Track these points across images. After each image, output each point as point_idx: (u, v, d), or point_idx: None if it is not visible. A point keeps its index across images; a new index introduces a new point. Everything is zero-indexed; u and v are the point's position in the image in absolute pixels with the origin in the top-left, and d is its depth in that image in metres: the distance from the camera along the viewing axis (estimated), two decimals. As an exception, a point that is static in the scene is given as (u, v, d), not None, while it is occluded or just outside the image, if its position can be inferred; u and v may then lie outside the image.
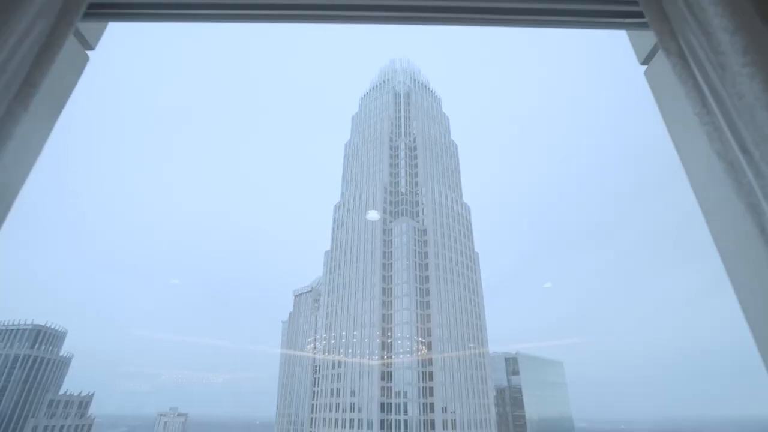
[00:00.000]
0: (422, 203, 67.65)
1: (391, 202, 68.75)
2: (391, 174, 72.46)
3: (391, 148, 74.90)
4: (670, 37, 1.26)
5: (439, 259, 59.95)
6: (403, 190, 70.92)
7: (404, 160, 72.91)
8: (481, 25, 1.65)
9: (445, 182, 73.91)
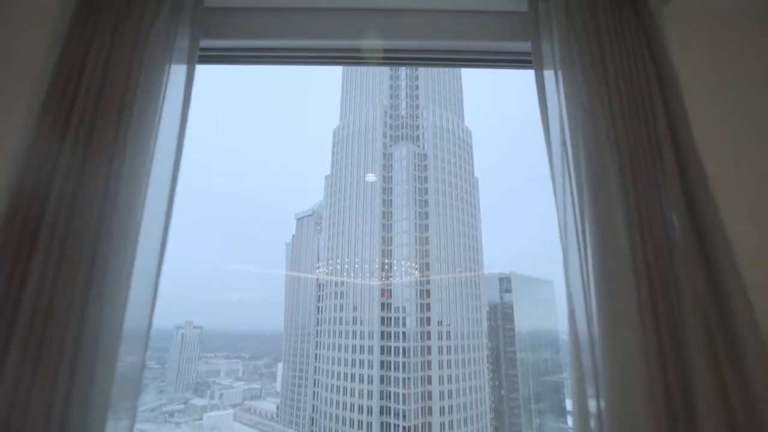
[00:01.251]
0: (423, 127, 66.09)
1: (391, 126, 67.09)
2: (391, 96, 69.81)
3: (391, 69, 71.37)
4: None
5: (438, 183, 60.16)
6: (404, 113, 68.90)
7: (405, 81, 69.85)
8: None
9: (447, 105, 71.57)
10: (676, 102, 1.42)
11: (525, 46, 1.71)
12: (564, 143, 1.45)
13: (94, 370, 1.20)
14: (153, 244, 1.41)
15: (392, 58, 1.96)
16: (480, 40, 1.84)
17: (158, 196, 1.46)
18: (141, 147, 1.44)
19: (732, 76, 1.67)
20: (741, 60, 1.69)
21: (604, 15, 1.53)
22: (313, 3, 1.86)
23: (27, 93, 1.46)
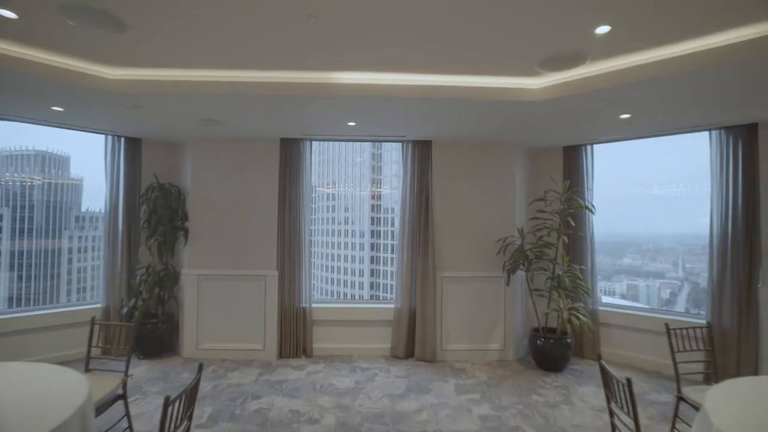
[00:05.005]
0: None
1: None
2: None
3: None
4: None
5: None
6: None
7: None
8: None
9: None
10: (430, 192, 4.85)
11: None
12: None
13: None
14: None
15: None
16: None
17: None
18: None
19: (458, 176, 4.90)
20: (465, 168, 4.90)
21: (421, 147, 4.82)
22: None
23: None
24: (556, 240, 4.56)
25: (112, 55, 2.92)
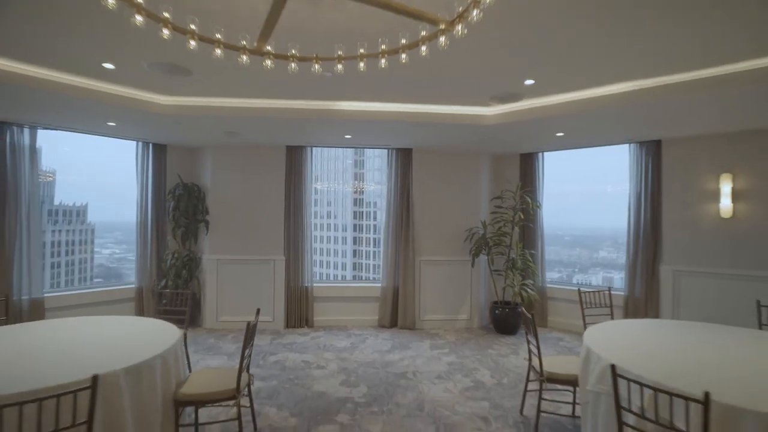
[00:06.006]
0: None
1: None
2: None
3: None
4: None
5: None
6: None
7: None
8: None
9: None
10: (410, 191, 5.90)
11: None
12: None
13: None
14: None
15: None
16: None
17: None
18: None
19: (434, 178, 5.99)
20: (439, 172, 5.99)
21: (403, 154, 5.88)
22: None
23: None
24: (510, 230, 5.68)
25: (168, 88, 3.83)
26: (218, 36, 2.09)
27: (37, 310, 4.70)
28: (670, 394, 1.81)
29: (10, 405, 1.53)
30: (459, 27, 1.84)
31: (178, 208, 5.65)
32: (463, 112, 4.34)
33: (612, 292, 5.34)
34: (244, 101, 4.16)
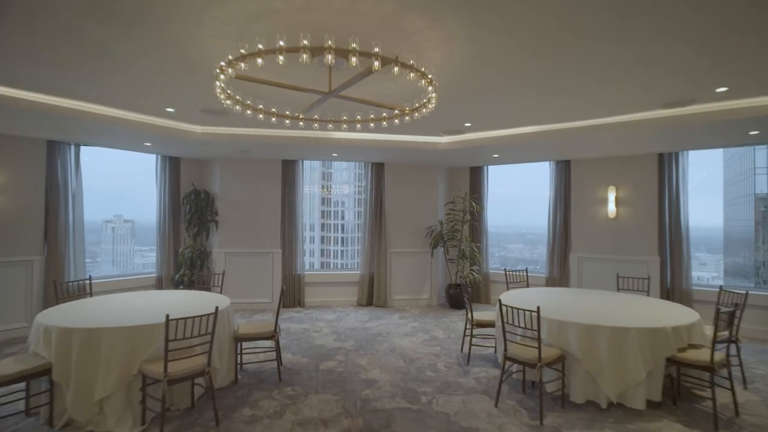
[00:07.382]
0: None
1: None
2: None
3: None
4: None
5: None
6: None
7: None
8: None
9: None
10: (383, 196, 7.41)
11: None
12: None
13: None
14: None
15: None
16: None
17: None
18: None
19: (402, 186, 7.51)
20: (406, 181, 7.51)
21: (378, 167, 7.41)
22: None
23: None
24: (461, 227, 7.26)
25: (203, 121, 5.10)
26: (273, 110, 3.47)
27: (83, 291, 5.82)
28: (524, 310, 3.37)
29: (177, 319, 2.86)
30: (416, 114, 3.31)
31: (193, 210, 6.85)
32: (424, 140, 5.86)
33: (536, 274, 7.04)
34: (258, 131, 5.48)
